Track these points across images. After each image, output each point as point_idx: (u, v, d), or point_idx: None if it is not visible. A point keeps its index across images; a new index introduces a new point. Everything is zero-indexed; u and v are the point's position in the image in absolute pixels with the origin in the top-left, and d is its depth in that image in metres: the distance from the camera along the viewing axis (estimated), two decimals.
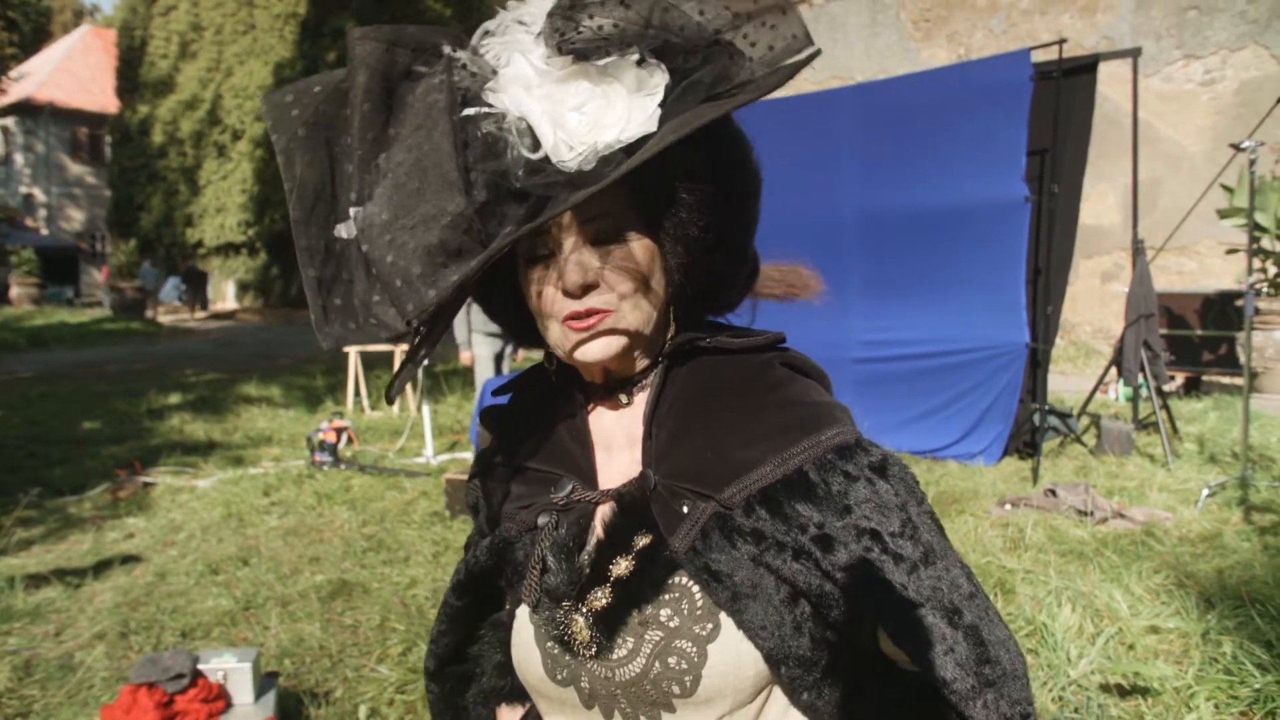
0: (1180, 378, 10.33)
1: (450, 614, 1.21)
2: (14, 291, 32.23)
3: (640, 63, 0.84)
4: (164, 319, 27.62)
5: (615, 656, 0.97)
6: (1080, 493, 5.40)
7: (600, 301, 0.93)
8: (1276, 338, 8.97)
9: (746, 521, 0.94)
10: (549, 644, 1.02)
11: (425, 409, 8.15)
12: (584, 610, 0.99)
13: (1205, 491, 5.47)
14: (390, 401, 1.04)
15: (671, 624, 0.95)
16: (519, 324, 1.08)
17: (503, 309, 1.08)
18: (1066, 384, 10.66)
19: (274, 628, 4.14)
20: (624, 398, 1.05)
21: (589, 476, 1.06)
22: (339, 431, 8.08)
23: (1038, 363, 6.99)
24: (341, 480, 7.03)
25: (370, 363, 11.31)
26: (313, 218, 0.93)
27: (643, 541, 0.98)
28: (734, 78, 0.86)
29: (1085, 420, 7.78)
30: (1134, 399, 7.58)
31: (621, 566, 0.99)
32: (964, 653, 0.88)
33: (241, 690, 3.07)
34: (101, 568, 5.05)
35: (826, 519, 0.92)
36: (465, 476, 5.90)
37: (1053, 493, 5.51)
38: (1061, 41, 6.64)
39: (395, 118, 0.87)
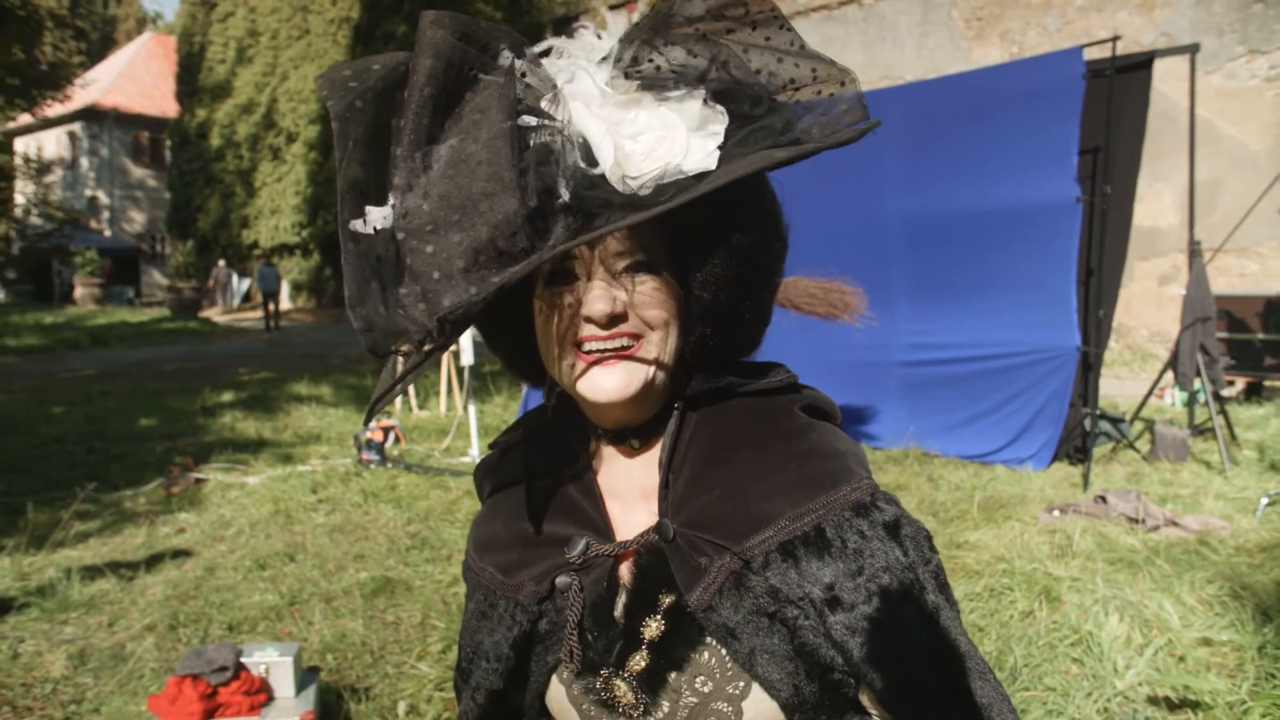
0: (1241, 383, 10.07)
1: None
2: (78, 291, 33.10)
3: (704, 103, 0.84)
4: (220, 319, 28.06)
5: (655, 718, 0.98)
6: (1132, 500, 5.28)
7: (625, 332, 0.91)
8: None
9: (763, 577, 0.93)
10: (585, 705, 1.02)
11: (471, 409, 8.21)
12: (624, 675, 0.99)
13: (1265, 500, 5.32)
14: (366, 422, 1.02)
15: (705, 689, 0.95)
16: (516, 353, 1.04)
17: (500, 335, 1.04)
18: (1122, 389, 10.44)
19: (318, 623, 4.20)
20: (635, 443, 1.02)
21: (603, 530, 1.03)
22: (386, 430, 8.17)
23: (1089, 366, 6.86)
24: (388, 479, 7.11)
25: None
26: (359, 190, 0.90)
27: (667, 600, 0.98)
28: (794, 131, 0.87)
29: (1139, 426, 7.61)
30: (1190, 404, 7.40)
31: (652, 628, 0.98)
32: (956, 715, 0.90)
33: (283, 684, 3.12)
34: (153, 561, 5.16)
35: (839, 578, 0.92)
36: None
37: (1103, 499, 5.40)
38: (1115, 39, 6.50)
39: (453, 110, 0.85)
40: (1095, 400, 6.74)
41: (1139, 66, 6.76)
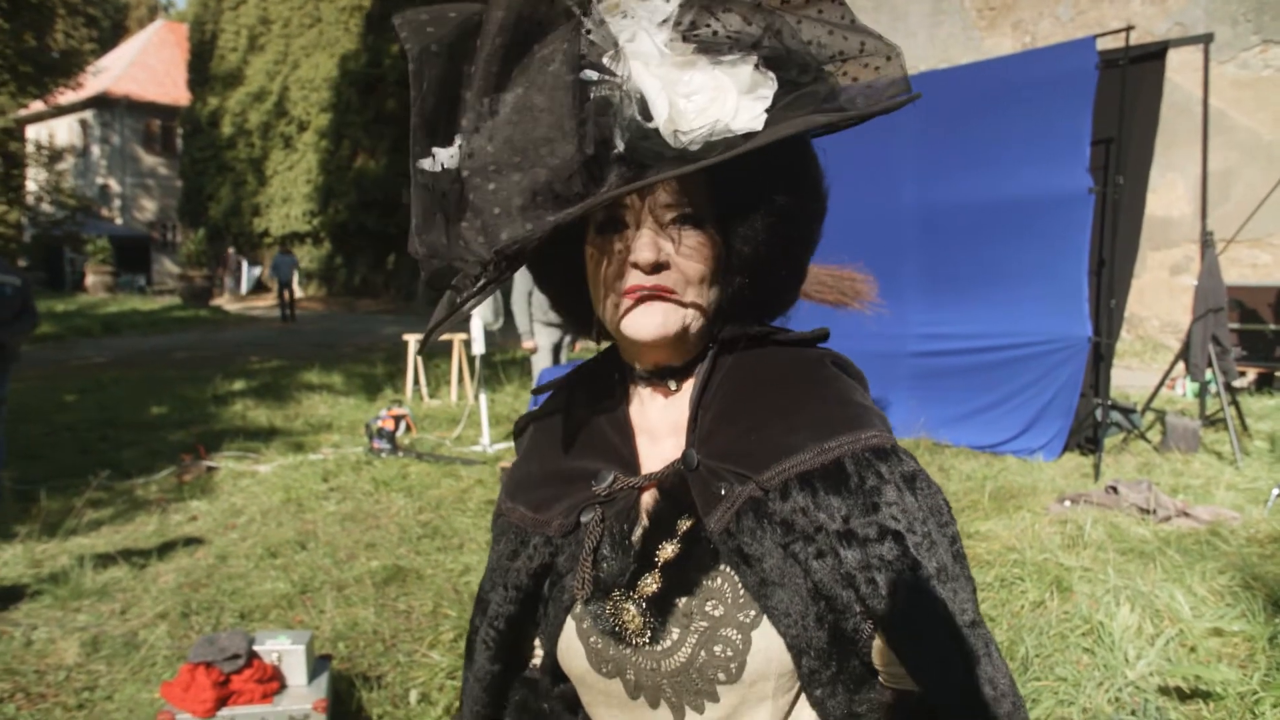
0: (1252, 373, 10.01)
1: (486, 684, 1.17)
2: (89, 279, 33.21)
3: (755, 68, 0.88)
4: (231, 308, 28.09)
5: (661, 647, 0.98)
6: (1143, 490, 5.27)
7: (668, 280, 0.96)
8: None
9: (780, 507, 0.95)
10: (593, 638, 1.03)
11: (483, 398, 8.23)
12: (635, 597, 1.00)
13: (1276, 491, 5.30)
14: (421, 351, 1.06)
15: (716, 613, 0.96)
16: (567, 297, 1.10)
17: (553, 279, 1.09)
18: (1133, 379, 10.40)
19: (329, 611, 4.22)
20: (672, 384, 1.06)
21: (630, 464, 1.06)
22: (397, 419, 8.20)
23: (1100, 356, 6.83)
24: (399, 467, 7.13)
25: (429, 352, 11.45)
26: (430, 125, 0.95)
27: (685, 525, 1.00)
28: (838, 99, 0.91)
29: (1150, 416, 7.58)
30: (1201, 395, 7.37)
31: (668, 551, 1.00)
32: (957, 678, 0.91)
33: (295, 672, 3.13)
34: (166, 549, 5.20)
35: (853, 514, 0.93)
36: None
37: (1114, 490, 5.39)
38: (1128, 29, 6.45)
39: (521, 60, 0.89)
40: (1107, 391, 6.71)
41: (1152, 56, 6.70)
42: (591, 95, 0.86)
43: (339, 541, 5.29)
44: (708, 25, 0.87)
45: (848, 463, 0.95)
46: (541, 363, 7.94)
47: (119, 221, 40.41)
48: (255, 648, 3.11)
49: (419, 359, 10.78)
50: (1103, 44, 6.70)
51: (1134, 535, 4.76)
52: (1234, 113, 12.29)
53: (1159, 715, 3.04)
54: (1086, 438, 6.98)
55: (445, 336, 11.24)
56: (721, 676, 0.95)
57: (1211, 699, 3.12)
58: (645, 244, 0.94)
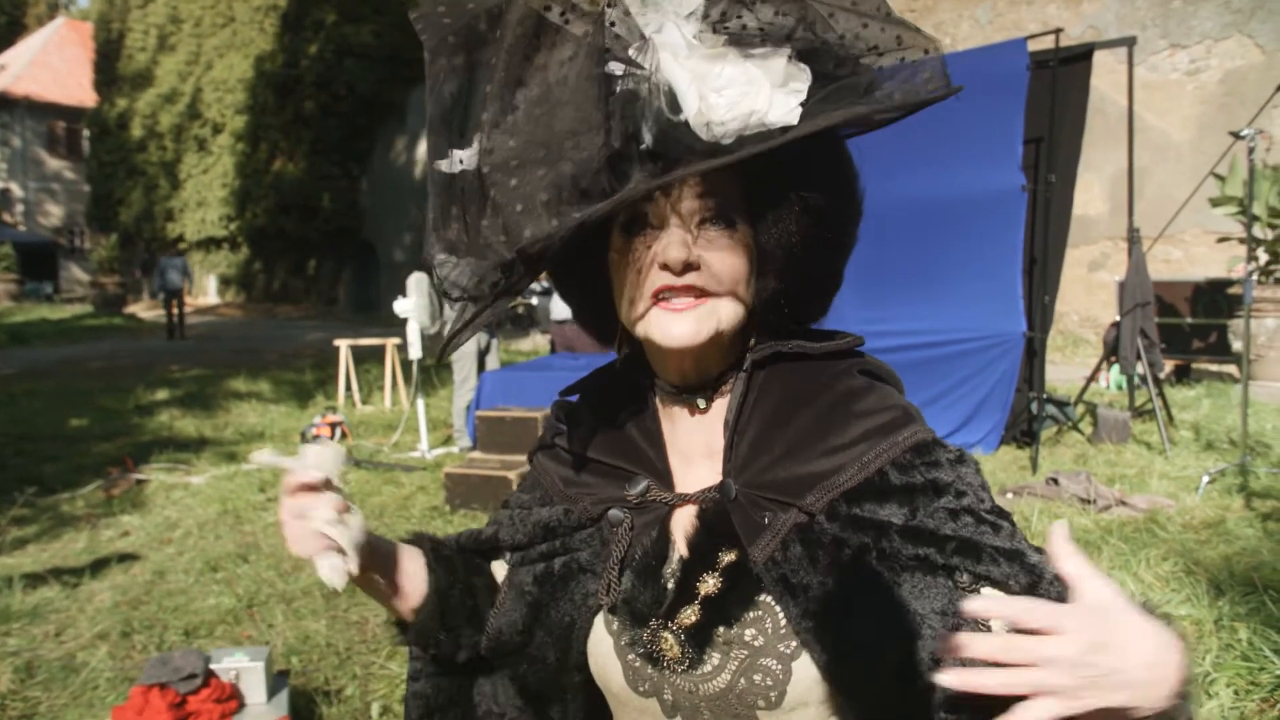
0: (1170, 365, 10.39)
1: (462, 538, 1.22)
2: None
3: (789, 61, 0.85)
4: (146, 315, 27.21)
5: (700, 671, 0.96)
6: (1082, 481, 5.40)
7: (698, 281, 0.92)
8: (1268, 325, 9.03)
9: (829, 529, 0.93)
10: (630, 656, 1.01)
11: (419, 403, 8.09)
12: (673, 628, 0.98)
13: (1206, 478, 5.48)
14: (440, 360, 1.03)
15: (756, 643, 0.94)
16: (589, 306, 1.06)
17: (575, 285, 1.06)
18: (1055, 373, 10.69)
19: (279, 625, 4.09)
20: (701, 403, 1.03)
21: (665, 478, 1.04)
22: (333, 426, 8.02)
23: (1034, 351, 7.00)
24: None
25: (360, 357, 11.23)
26: (448, 117, 0.92)
27: (728, 558, 0.97)
28: (876, 92, 0.88)
29: (1081, 409, 7.80)
30: (1129, 387, 7.60)
31: (709, 584, 0.98)
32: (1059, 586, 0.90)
33: (254, 690, 3.02)
34: (99, 566, 4.98)
35: (917, 511, 0.93)
36: (462, 471, 5.86)
37: (1055, 481, 5.52)
38: (1058, 31, 6.64)
39: (543, 52, 0.86)
40: (1042, 384, 6.89)
41: (1079, 58, 6.90)
42: (618, 88, 0.83)
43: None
44: (738, 17, 0.84)
45: (890, 471, 0.94)
46: (466, 366, 7.75)
47: (22, 228, 38.91)
48: (212, 666, 2.99)
49: (350, 364, 10.55)
50: (1029, 46, 6.88)
51: (1077, 525, 4.88)
52: (1146, 114, 12.73)
53: None
54: (1022, 430, 7.15)
55: (377, 341, 11.05)
56: (761, 704, 0.94)
57: None
58: (675, 242, 0.90)
